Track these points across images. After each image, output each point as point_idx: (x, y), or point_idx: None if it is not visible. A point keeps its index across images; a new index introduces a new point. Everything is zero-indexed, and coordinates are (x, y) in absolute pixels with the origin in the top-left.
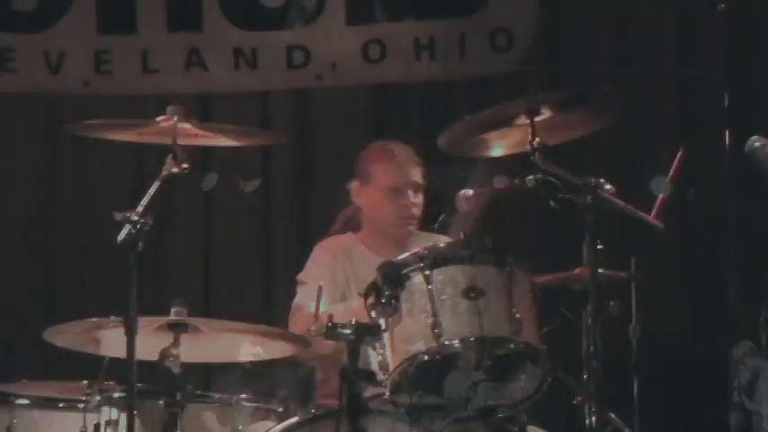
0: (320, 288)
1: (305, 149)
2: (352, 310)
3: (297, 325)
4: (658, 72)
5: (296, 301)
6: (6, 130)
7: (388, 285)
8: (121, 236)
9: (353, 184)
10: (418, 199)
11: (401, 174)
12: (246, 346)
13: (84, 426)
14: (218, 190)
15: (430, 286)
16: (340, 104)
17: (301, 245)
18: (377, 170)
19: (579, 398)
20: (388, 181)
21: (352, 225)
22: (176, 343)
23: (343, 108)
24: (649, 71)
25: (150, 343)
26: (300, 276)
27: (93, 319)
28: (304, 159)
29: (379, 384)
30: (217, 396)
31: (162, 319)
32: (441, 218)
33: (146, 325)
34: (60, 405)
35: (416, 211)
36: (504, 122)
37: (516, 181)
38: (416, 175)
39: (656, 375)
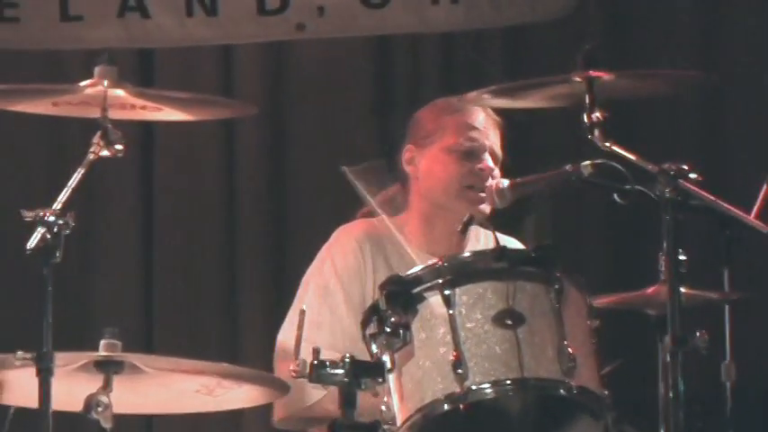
0: (302, 312)
1: (281, 125)
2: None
3: (279, 366)
4: (760, 27)
5: (281, 337)
6: None
7: (394, 309)
8: (33, 242)
9: (405, 149)
10: (496, 171)
11: (477, 132)
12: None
13: None
14: (164, 180)
15: (451, 310)
16: (329, 64)
17: (276, 256)
18: (444, 125)
19: None
20: (459, 138)
21: (389, 209)
22: (107, 387)
23: (334, 69)
24: (748, 23)
25: (72, 387)
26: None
27: None
28: (280, 138)
29: None
30: None
31: (88, 356)
32: (466, 218)
33: (66, 363)
34: None
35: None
36: (548, 84)
37: (569, 167)
38: (495, 139)
39: (759, 428)
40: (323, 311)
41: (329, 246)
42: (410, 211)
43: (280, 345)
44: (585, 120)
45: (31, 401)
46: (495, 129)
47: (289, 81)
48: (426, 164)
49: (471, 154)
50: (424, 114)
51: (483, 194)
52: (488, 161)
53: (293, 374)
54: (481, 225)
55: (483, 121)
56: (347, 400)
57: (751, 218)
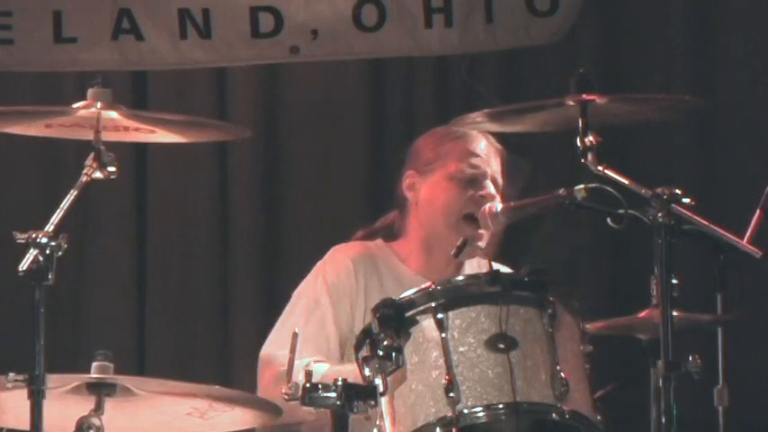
0: (295, 335)
1: (275, 147)
2: (345, 373)
3: (264, 383)
4: (756, 51)
5: (265, 349)
6: None
7: (387, 332)
8: (25, 264)
9: (405, 175)
10: (498, 198)
11: (479, 159)
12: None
13: None
14: (157, 202)
15: (444, 334)
16: (323, 87)
17: (269, 279)
18: (446, 152)
19: None
20: (461, 165)
21: (384, 233)
22: (99, 410)
23: (328, 92)
24: (743, 48)
25: (64, 410)
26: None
27: None
28: (273, 160)
29: None
30: None
31: (80, 378)
32: (460, 242)
33: (58, 385)
34: None
35: None
36: (542, 108)
37: (562, 191)
38: (496, 166)
39: None
40: (311, 325)
41: (323, 263)
42: (408, 236)
43: (263, 356)
44: (579, 144)
45: (23, 423)
46: (496, 156)
47: (282, 104)
48: (427, 190)
49: (473, 181)
50: (424, 141)
51: (482, 231)
52: (490, 188)
53: (286, 397)
54: (478, 255)
55: (485, 148)
56: (339, 424)
57: (744, 242)
